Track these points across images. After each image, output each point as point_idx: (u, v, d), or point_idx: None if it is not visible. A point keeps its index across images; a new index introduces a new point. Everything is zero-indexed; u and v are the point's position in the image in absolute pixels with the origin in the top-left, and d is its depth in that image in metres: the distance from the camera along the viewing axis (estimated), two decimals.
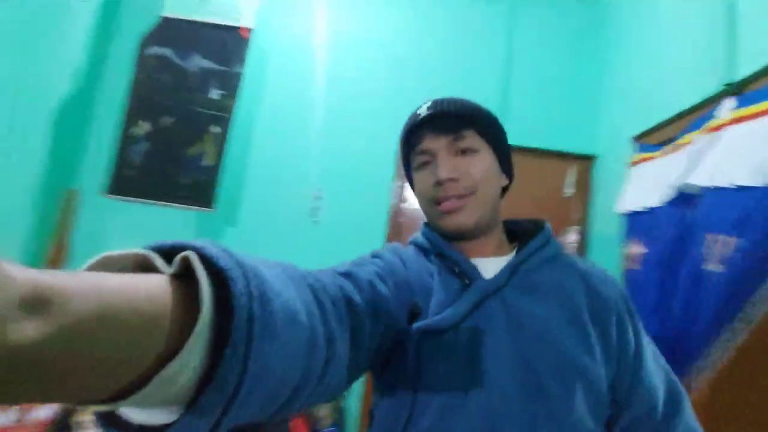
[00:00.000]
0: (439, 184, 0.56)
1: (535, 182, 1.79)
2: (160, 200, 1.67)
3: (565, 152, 1.84)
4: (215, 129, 1.71)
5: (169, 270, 0.24)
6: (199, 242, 0.25)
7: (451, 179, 0.56)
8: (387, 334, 0.48)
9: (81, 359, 0.18)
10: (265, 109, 1.89)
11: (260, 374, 0.25)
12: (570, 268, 0.59)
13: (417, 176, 0.61)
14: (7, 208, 1.77)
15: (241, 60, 1.74)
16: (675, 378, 0.60)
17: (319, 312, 0.33)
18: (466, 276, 0.55)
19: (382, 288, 0.49)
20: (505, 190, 0.65)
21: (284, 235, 1.79)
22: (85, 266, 0.23)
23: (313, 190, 1.80)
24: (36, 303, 0.17)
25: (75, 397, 0.20)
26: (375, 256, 0.58)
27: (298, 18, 1.93)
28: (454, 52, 1.93)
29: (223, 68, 1.74)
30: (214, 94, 1.73)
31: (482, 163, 0.57)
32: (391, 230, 1.76)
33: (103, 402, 0.21)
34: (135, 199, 1.69)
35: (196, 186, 1.67)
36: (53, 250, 1.87)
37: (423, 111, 0.59)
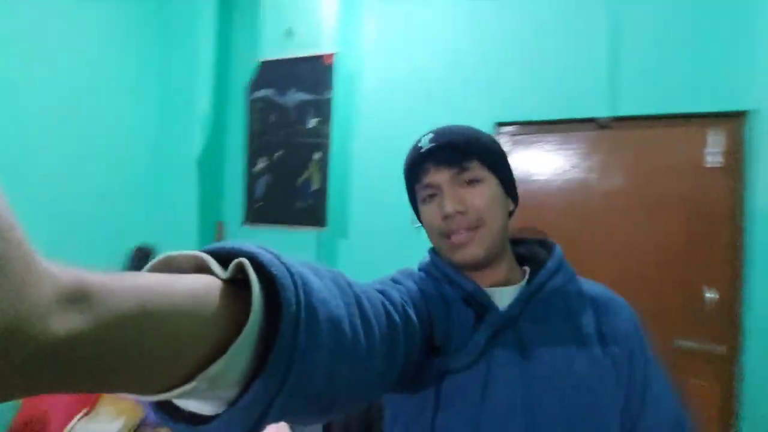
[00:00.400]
0: (446, 217, 0.57)
1: (667, 153, 1.52)
2: (283, 224, 1.94)
3: (703, 113, 1.50)
4: (317, 155, 1.87)
5: (224, 274, 0.25)
6: (254, 248, 0.27)
7: (459, 212, 0.56)
8: (411, 360, 0.49)
9: (120, 353, 0.19)
10: (358, 126, 1.99)
11: (302, 379, 0.26)
12: (581, 297, 0.59)
13: (424, 209, 0.61)
14: (173, 238, 2.26)
15: (328, 86, 1.85)
16: (684, 408, 0.59)
17: (362, 324, 0.34)
18: (481, 306, 0.57)
19: (411, 313, 0.50)
20: (511, 213, 0.64)
21: (390, 242, 1.89)
22: (147, 266, 0.25)
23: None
24: (74, 297, 0.17)
25: (119, 388, 0.20)
26: (394, 281, 0.58)
27: (378, 33, 1.96)
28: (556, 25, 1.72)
29: (315, 97, 1.89)
30: (311, 123, 1.89)
31: (488, 192, 0.58)
32: None
33: (149, 393, 0.22)
34: (264, 225, 1.99)
35: (308, 209, 1.88)
36: None
37: (425, 143, 0.59)
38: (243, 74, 2.08)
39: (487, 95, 1.75)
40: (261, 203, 2.00)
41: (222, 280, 0.25)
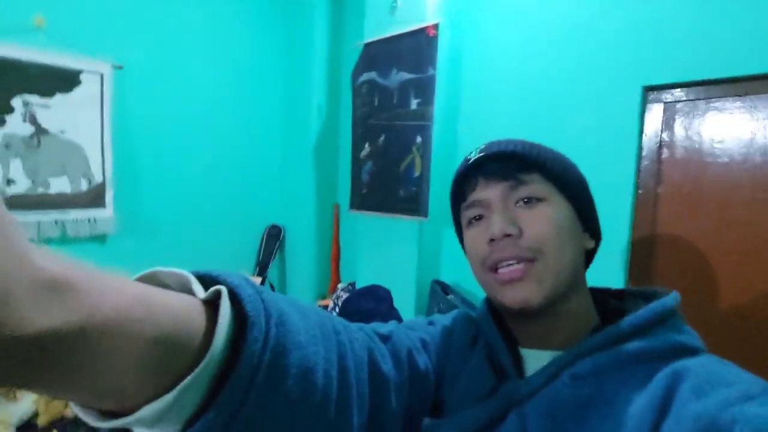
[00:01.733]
0: (492, 241, 0.45)
1: None
2: (386, 212, 1.90)
3: None
4: (419, 139, 1.75)
5: (203, 295, 0.26)
6: (239, 279, 0.27)
7: (508, 235, 0.44)
8: (412, 411, 0.43)
9: (89, 355, 0.18)
10: (463, 106, 1.78)
11: (255, 421, 0.25)
12: (655, 381, 0.38)
13: (468, 234, 0.50)
14: (297, 218, 2.45)
15: (432, 62, 1.68)
16: None
17: (338, 374, 0.32)
18: (502, 372, 0.46)
19: (421, 360, 0.45)
20: (591, 255, 0.51)
21: None
22: (134, 278, 0.26)
23: None
24: (54, 287, 0.17)
25: (76, 392, 0.20)
26: (431, 323, 0.54)
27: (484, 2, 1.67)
28: None
29: (417, 76, 1.74)
30: (413, 104, 1.76)
31: (552, 214, 0.45)
32: (641, 211, 1.33)
33: (104, 414, 0.22)
34: (368, 212, 1.98)
35: (410, 198, 1.79)
36: (334, 247, 2.48)
37: (474, 154, 0.49)
38: (352, 59, 2.06)
39: (630, 50, 1.33)
40: (365, 190, 2.00)
41: (201, 300, 0.25)
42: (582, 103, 1.44)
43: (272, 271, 2.52)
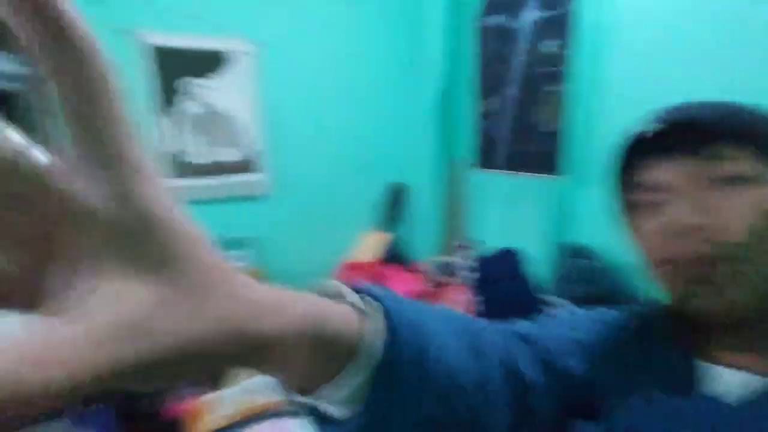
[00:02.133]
0: (676, 236, 0.36)
1: None
2: (516, 170, 1.79)
3: None
4: (552, 88, 1.56)
5: (360, 307, 0.28)
6: (381, 291, 0.28)
7: (699, 228, 0.35)
8: (565, 420, 0.39)
9: (270, 360, 0.22)
10: (609, 49, 1.49)
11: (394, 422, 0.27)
12: None
13: (639, 225, 0.41)
14: (418, 177, 2.48)
15: None
16: None
17: (480, 379, 0.32)
18: (679, 387, 0.37)
19: (572, 362, 0.40)
20: None
21: None
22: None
23: None
24: (278, 306, 0.21)
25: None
26: (579, 319, 0.47)
27: None
28: None
29: (553, 12, 1.51)
30: (547, 47, 1.55)
31: (760, 200, 0.34)
32: None
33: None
34: (495, 170, 1.90)
35: (542, 155, 1.64)
36: (457, 204, 2.48)
37: (649, 126, 0.39)
38: (475, 3, 1.88)
39: None
40: (492, 146, 1.89)
41: (353, 308, 0.27)
42: None
43: (398, 227, 2.65)
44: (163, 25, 1.85)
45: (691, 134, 0.37)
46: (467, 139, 2.25)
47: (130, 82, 1.84)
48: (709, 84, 1.23)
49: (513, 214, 1.85)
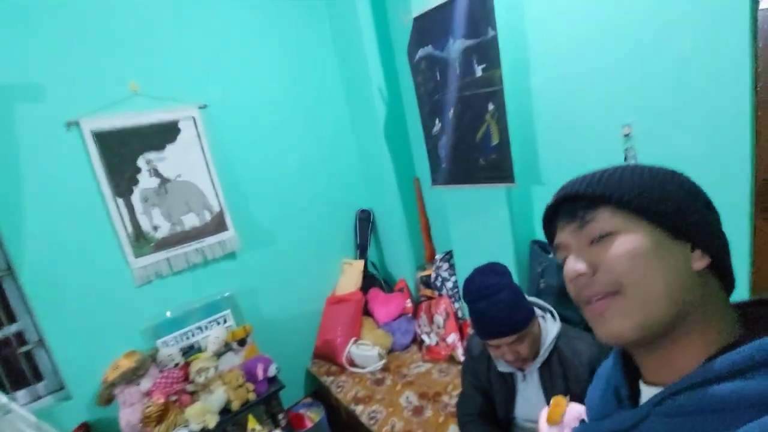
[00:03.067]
0: (570, 282, 0.48)
1: None
2: (470, 183, 1.92)
3: None
4: (491, 106, 1.71)
5: None
6: None
7: (580, 275, 0.46)
8: None
9: None
10: (532, 62, 1.67)
11: None
12: None
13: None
14: (383, 192, 2.57)
15: (490, 21, 1.59)
16: None
17: None
18: (620, 401, 0.50)
19: None
20: (722, 271, 0.45)
21: None
22: None
23: (621, 128, 1.48)
24: None
25: None
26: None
27: None
28: None
29: (477, 40, 1.67)
30: (478, 71, 1.71)
31: (625, 246, 0.43)
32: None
33: None
34: (451, 185, 2.03)
35: (492, 165, 1.78)
36: (422, 220, 2.59)
37: (551, 200, 0.52)
38: (404, 37, 2.02)
39: None
40: (444, 164, 2.03)
41: None
42: (680, 20, 1.26)
43: (371, 252, 2.73)
44: (105, 109, 1.84)
45: (570, 204, 0.49)
46: (420, 158, 2.38)
47: (82, 171, 1.80)
48: (631, 70, 1.42)
49: (476, 222, 1.99)
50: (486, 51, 1.65)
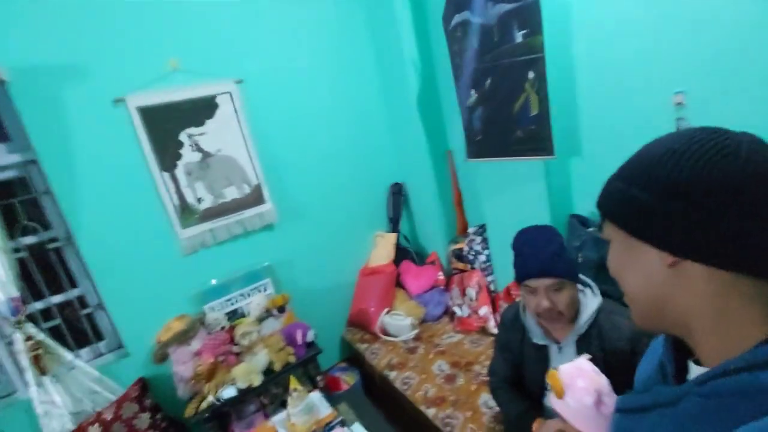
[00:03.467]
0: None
1: None
2: (507, 156, 1.88)
3: None
4: (531, 74, 1.65)
5: None
6: None
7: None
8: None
9: None
10: (576, 28, 1.58)
11: None
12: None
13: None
14: (415, 165, 2.57)
15: None
16: None
17: None
18: (666, 379, 0.52)
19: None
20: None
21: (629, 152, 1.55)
22: None
23: (672, 96, 1.40)
24: None
25: None
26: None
27: None
28: None
29: (518, 4, 1.59)
30: (518, 37, 1.63)
31: (611, 253, 0.52)
32: None
33: None
34: (486, 158, 1.99)
35: (530, 137, 1.73)
36: (455, 193, 2.58)
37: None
38: (439, 5, 1.95)
39: None
40: (480, 137, 1.99)
41: None
42: None
43: (403, 225, 2.76)
44: (147, 86, 1.91)
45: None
46: (454, 131, 2.34)
47: (130, 145, 1.90)
48: (682, 40, 1.33)
49: (512, 196, 1.96)
50: (527, 15, 1.57)
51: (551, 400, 0.88)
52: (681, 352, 0.50)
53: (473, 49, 1.85)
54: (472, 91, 1.94)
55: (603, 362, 1.06)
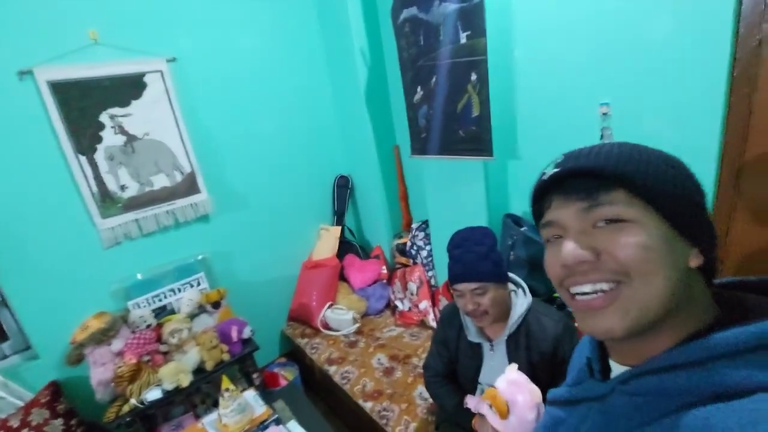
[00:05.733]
0: (564, 268, 0.44)
1: None
2: (448, 154, 1.91)
3: None
4: (473, 76, 1.67)
5: None
6: None
7: (585, 262, 0.42)
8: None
9: None
10: (518, 35, 1.62)
11: None
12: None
13: (546, 253, 0.48)
14: (362, 158, 2.55)
15: None
16: None
17: None
18: (593, 376, 0.52)
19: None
20: (708, 273, 0.45)
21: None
22: None
23: (599, 107, 1.49)
24: None
25: None
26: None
27: None
28: None
29: (463, 4, 1.60)
30: (463, 38, 1.65)
31: (637, 237, 0.40)
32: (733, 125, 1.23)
33: None
34: (429, 156, 2.01)
35: (471, 138, 1.77)
36: (401, 188, 2.59)
37: (549, 168, 0.47)
38: None
39: None
40: (424, 134, 2.00)
41: None
42: (663, 2, 1.25)
43: (348, 219, 2.73)
44: (61, 58, 1.69)
45: (579, 180, 0.44)
46: (401, 126, 2.34)
47: (39, 125, 1.69)
48: (618, 46, 1.40)
49: (453, 193, 2.00)
50: (472, 16, 1.59)
51: (491, 420, 0.87)
52: (604, 350, 0.52)
53: (419, 46, 1.84)
54: (418, 88, 1.94)
55: (528, 362, 1.12)
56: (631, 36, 1.33)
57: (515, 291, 1.22)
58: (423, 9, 1.76)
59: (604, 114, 1.49)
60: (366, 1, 2.22)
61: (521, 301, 1.18)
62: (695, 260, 0.42)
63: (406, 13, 1.84)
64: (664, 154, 0.44)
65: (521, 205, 1.88)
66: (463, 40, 1.65)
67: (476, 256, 1.09)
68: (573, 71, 1.52)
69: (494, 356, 1.22)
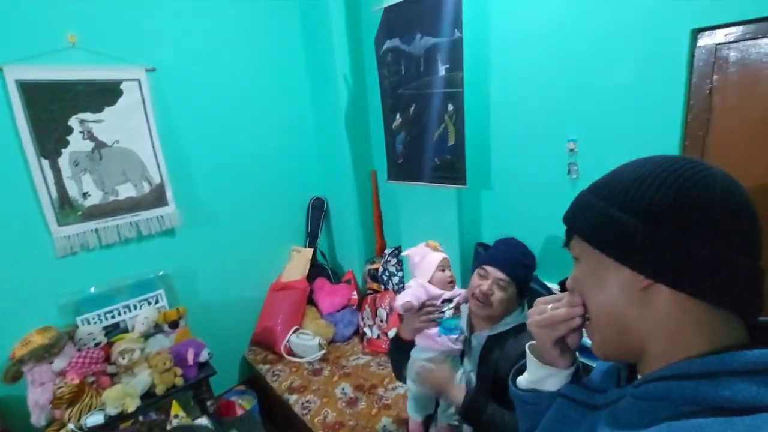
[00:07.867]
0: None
1: None
2: (423, 181, 1.94)
3: None
4: (450, 107, 1.73)
5: None
6: None
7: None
8: None
9: None
10: (493, 67, 1.71)
11: None
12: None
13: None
14: (338, 181, 2.54)
15: (457, 23, 1.61)
16: None
17: None
18: (620, 383, 0.56)
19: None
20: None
21: (542, 196, 1.69)
22: None
23: (567, 143, 1.56)
24: None
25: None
26: None
27: None
28: None
29: (443, 39, 1.68)
30: (442, 70, 1.72)
31: (578, 272, 0.53)
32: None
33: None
34: (405, 182, 2.04)
35: (446, 166, 1.81)
36: (376, 213, 2.58)
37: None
38: (374, 24, 1.99)
39: None
40: (401, 160, 2.03)
41: None
42: (624, 52, 1.35)
43: (321, 241, 2.69)
44: (34, 59, 1.65)
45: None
46: (379, 151, 2.37)
47: (1, 123, 1.61)
48: (584, 86, 1.48)
49: (427, 220, 2.02)
50: (451, 52, 1.66)
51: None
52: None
53: (400, 75, 1.90)
54: (397, 115, 1.99)
55: (494, 373, 1.10)
56: (596, 80, 1.42)
57: (522, 307, 1.22)
58: (405, 41, 1.83)
59: (571, 150, 1.56)
60: (351, 27, 2.30)
61: (518, 317, 1.18)
62: (643, 282, 0.43)
63: (389, 44, 1.91)
64: (626, 188, 0.46)
65: (493, 234, 1.91)
66: (442, 73, 1.72)
67: (519, 260, 1.16)
68: (544, 109, 1.60)
69: (469, 350, 1.19)
